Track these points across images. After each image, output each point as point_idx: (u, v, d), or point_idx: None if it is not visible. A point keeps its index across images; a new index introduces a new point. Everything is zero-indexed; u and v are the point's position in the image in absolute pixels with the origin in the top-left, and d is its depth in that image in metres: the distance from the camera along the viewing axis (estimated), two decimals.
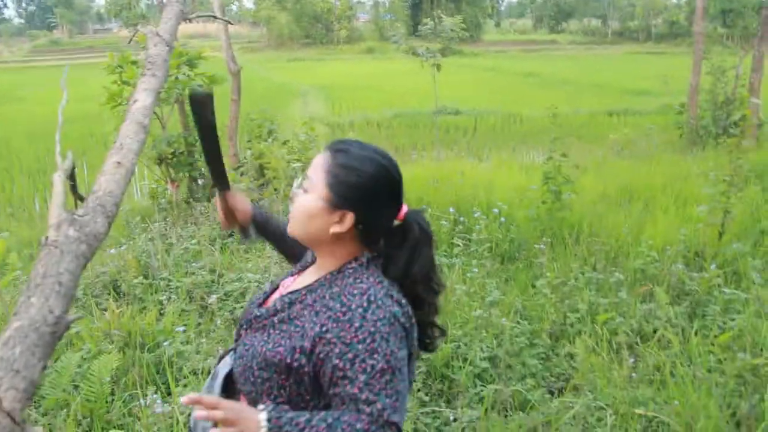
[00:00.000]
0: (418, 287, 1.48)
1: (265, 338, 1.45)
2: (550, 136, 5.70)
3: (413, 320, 1.44)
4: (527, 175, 7.54)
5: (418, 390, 3.34)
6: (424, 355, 3.56)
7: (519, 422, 2.99)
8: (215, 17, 3.61)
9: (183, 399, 1.24)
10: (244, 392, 1.48)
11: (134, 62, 6.24)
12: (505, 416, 3.17)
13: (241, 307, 4.16)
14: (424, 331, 1.54)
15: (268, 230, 1.95)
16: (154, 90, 2.43)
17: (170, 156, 6.33)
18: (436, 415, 3.22)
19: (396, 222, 1.47)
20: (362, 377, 1.28)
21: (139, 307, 4.28)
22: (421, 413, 3.21)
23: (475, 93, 18.75)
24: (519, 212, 5.69)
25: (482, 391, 3.36)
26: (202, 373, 3.38)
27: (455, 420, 3.08)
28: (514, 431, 2.95)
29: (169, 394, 3.24)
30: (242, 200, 1.89)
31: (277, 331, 1.44)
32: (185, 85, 6.08)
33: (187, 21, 3.56)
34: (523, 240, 5.33)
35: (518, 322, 3.93)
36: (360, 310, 1.34)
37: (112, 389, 3.32)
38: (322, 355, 1.34)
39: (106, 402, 3.21)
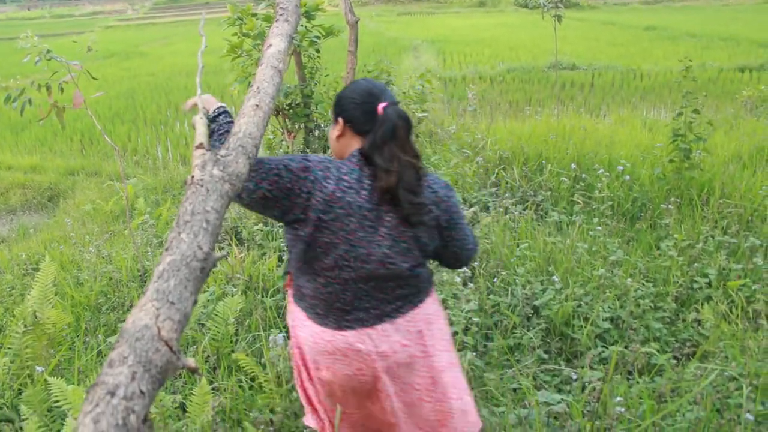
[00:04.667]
0: (372, 160, 1.87)
1: None
2: (673, 91, 5.34)
3: (326, 189, 1.82)
4: (651, 132, 7.17)
5: (537, 347, 3.28)
6: (544, 312, 3.49)
7: (644, 386, 2.86)
8: None
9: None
10: None
11: (254, 14, 6.30)
12: (628, 379, 3.06)
13: None
14: (389, 194, 1.83)
15: None
16: (288, 35, 2.41)
17: (287, 107, 6.41)
18: (555, 373, 3.15)
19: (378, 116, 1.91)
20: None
21: (260, 253, 4.40)
22: (540, 370, 3.15)
23: (592, 48, 17.95)
24: (643, 170, 5.41)
25: (603, 352, 3.26)
26: None
27: (576, 379, 2.99)
28: (639, 395, 2.83)
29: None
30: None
31: None
32: (303, 36, 6.10)
33: None
34: (648, 199, 5.08)
35: (642, 284, 3.76)
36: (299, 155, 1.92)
37: (236, 330, 3.45)
38: None
39: (231, 342, 3.33)
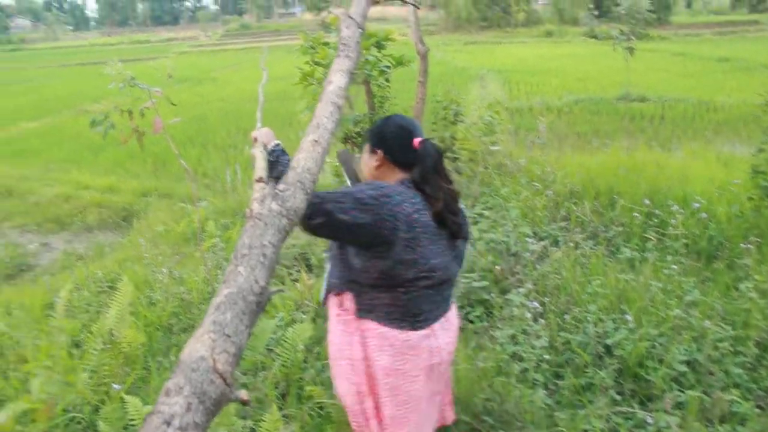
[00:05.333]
0: (425, 189, 2.14)
1: None
2: (748, 125, 5.18)
3: (402, 213, 2.04)
4: (726, 167, 6.95)
5: (609, 388, 3.19)
6: (617, 352, 3.40)
7: None
8: (404, 1, 3.60)
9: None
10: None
11: (326, 43, 6.43)
12: (707, 426, 2.94)
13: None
14: (439, 217, 2.14)
15: None
16: (348, 71, 2.46)
17: (356, 135, 6.49)
18: (629, 416, 3.05)
19: (416, 149, 2.20)
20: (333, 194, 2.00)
21: None
22: (613, 412, 3.06)
23: (663, 79, 17.60)
24: (719, 208, 5.25)
25: (680, 396, 3.15)
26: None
27: (651, 423, 2.89)
28: None
29: None
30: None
31: None
32: (374, 66, 6.18)
33: (377, 3, 3.60)
34: (725, 238, 4.91)
35: (720, 327, 3.62)
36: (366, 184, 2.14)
37: (305, 357, 3.47)
38: None
39: (300, 368, 3.36)
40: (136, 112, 4.48)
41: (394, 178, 2.20)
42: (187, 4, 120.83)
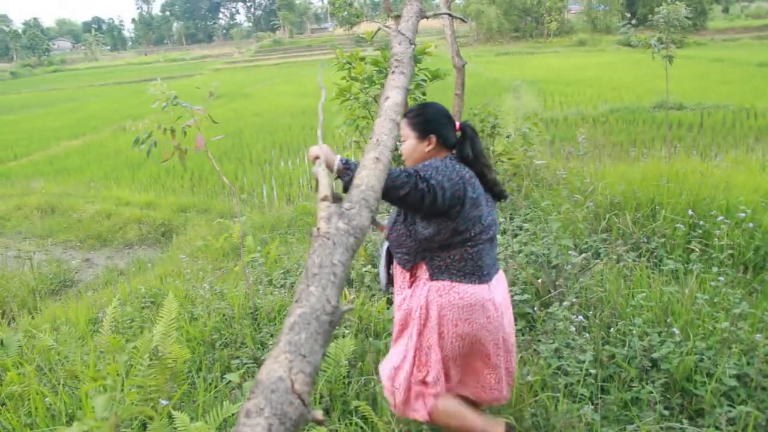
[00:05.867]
0: (477, 164, 2.57)
1: None
2: None
3: (467, 177, 2.47)
4: None
5: (657, 402, 3.14)
6: (663, 365, 3.34)
7: None
8: (451, 15, 3.63)
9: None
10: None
11: (362, 59, 6.47)
12: None
13: None
14: (491, 189, 2.62)
15: None
16: (404, 87, 2.47)
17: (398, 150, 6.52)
18: None
19: (458, 133, 2.62)
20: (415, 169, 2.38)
21: (368, 295, 4.44)
22: (662, 428, 3.00)
23: (701, 86, 17.36)
24: (765, 217, 5.13)
25: (730, 411, 3.07)
26: None
27: None
28: None
29: None
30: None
31: None
32: (410, 78, 6.21)
33: (425, 18, 3.62)
34: None
35: None
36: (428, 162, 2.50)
37: (348, 372, 3.48)
38: None
39: (343, 384, 3.36)
40: (179, 130, 4.57)
41: (442, 157, 2.56)
42: (221, 22, 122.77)
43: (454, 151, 2.62)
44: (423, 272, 2.56)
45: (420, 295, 2.55)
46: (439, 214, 2.43)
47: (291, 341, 1.31)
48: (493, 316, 2.55)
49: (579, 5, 59.87)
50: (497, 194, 2.64)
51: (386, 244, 2.74)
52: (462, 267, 2.51)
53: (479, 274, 2.53)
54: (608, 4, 48.47)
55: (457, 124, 2.63)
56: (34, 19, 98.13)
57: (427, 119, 2.58)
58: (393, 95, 2.37)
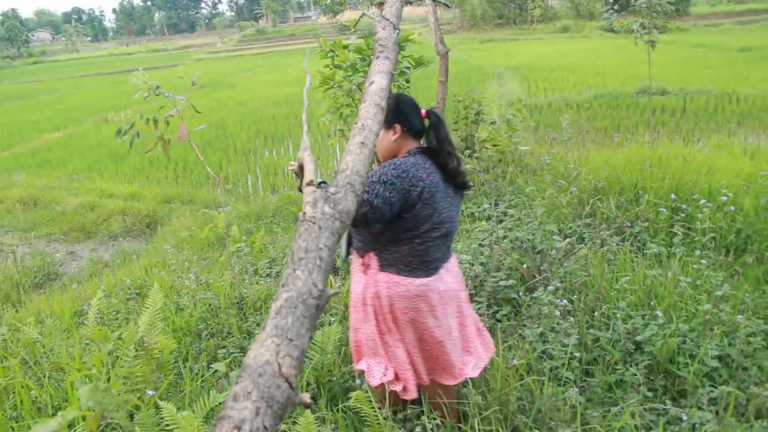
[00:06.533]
0: (441, 151, 2.60)
1: None
2: None
3: (423, 179, 2.50)
4: (752, 160, 6.86)
5: (641, 384, 3.17)
6: (647, 348, 3.37)
7: (761, 430, 2.72)
8: (435, 1, 3.61)
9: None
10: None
11: (345, 47, 6.44)
12: (741, 422, 2.91)
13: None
14: (452, 178, 2.64)
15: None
16: (388, 72, 2.46)
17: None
18: (661, 413, 3.03)
19: (425, 120, 2.68)
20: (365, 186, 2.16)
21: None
22: (645, 409, 3.04)
23: (683, 71, 17.45)
24: (747, 200, 5.18)
25: (712, 391, 3.12)
26: None
27: (685, 420, 2.87)
28: None
29: None
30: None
31: None
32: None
33: (409, 4, 3.61)
34: (753, 231, 4.85)
35: (751, 321, 3.58)
36: (384, 167, 2.51)
37: (334, 359, 3.49)
38: None
39: (330, 371, 3.37)
40: (161, 121, 4.53)
41: (407, 147, 2.65)
42: (204, 11, 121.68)
43: (422, 141, 2.69)
44: (374, 262, 2.65)
45: (370, 285, 2.67)
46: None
47: (278, 325, 1.31)
48: (437, 305, 2.65)
49: None
50: (459, 185, 2.68)
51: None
52: (409, 262, 2.60)
53: (425, 268, 2.62)
54: None
55: (423, 110, 2.69)
56: (12, 9, 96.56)
57: (393, 107, 2.63)
58: (378, 80, 2.35)
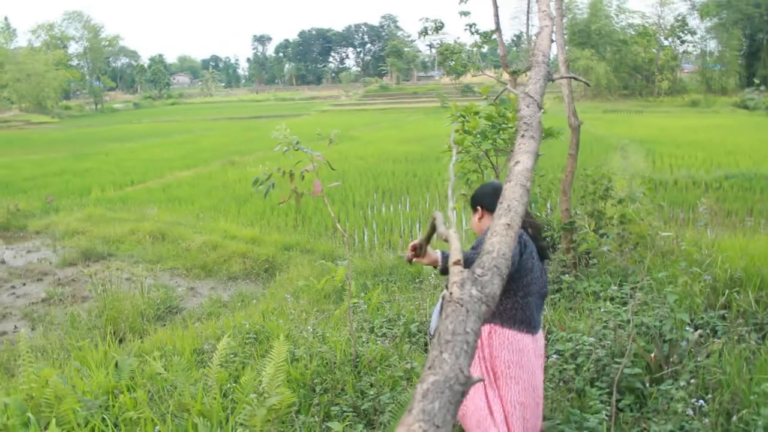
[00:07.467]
0: (528, 229, 2.98)
1: None
2: None
3: (522, 236, 2.89)
4: None
5: None
6: None
7: None
8: (576, 78, 3.58)
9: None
10: None
11: (476, 112, 6.49)
12: None
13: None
14: (541, 250, 3.03)
15: None
16: (534, 152, 2.44)
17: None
18: None
19: None
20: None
21: None
22: None
23: None
24: None
25: None
26: None
27: None
28: None
29: None
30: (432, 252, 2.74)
31: None
32: None
33: (551, 81, 3.60)
34: None
35: None
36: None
37: None
38: None
39: None
40: (297, 175, 4.71)
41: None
42: (331, 65, 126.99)
43: None
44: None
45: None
46: None
47: (425, 409, 1.30)
48: (534, 364, 2.90)
49: (693, 64, 58.16)
50: (544, 255, 3.07)
51: (444, 292, 3.00)
52: (513, 315, 2.88)
53: (527, 324, 2.91)
54: (724, 65, 46.78)
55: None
56: (159, 55, 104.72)
57: (476, 194, 3.20)
58: (523, 160, 2.34)
